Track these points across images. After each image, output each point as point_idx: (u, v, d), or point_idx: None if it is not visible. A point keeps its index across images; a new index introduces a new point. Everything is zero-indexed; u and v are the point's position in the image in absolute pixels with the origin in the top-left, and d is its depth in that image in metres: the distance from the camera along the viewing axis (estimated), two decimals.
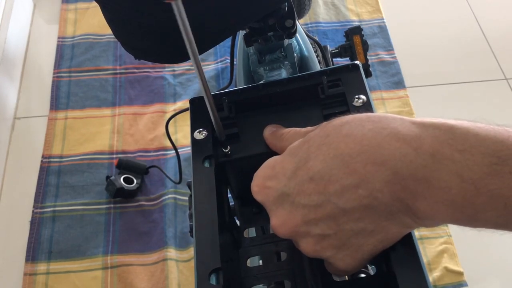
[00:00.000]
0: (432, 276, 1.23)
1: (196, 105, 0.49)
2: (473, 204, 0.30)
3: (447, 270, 1.24)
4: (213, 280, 0.38)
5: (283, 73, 0.65)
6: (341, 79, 0.47)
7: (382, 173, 0.32)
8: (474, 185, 0.30)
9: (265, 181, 0.38)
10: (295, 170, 0.36)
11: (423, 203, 0.32)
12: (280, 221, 0.36)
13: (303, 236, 0.36)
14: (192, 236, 0.43)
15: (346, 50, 1.14)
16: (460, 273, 1.23)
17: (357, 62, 0.48)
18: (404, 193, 0.32)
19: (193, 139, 0.46)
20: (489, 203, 0.30)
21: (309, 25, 1.74)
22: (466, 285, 1.22)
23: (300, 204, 0.35)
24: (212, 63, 1.64)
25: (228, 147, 0.46)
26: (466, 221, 0.32)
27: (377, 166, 0.32)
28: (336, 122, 0.36)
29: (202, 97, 0.47)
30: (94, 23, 1.74)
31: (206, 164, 0.44)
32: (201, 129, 0.47)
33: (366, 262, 0.37)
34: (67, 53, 1.67)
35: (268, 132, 0.45)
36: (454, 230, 1.31)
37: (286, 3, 0.58)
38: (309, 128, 0.40)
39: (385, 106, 1.55)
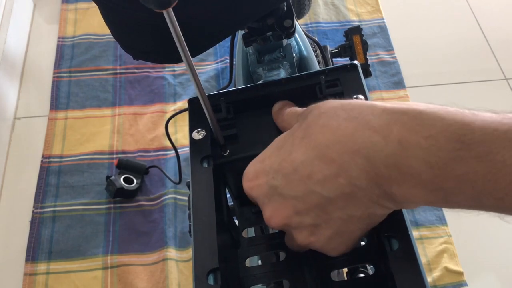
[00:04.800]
0: (432, 276, 1.23)
1: (195, 105, 0.48)
2: (443, 188, 0.31)
3: (447, 270, 1.24)
4: (210, 280, 0.38)
5: (282, 73, 0.65)
6: (340, 79, 0.47)
7: (357, 162, 0.33)
8: (441, 170, 0.30)
9: (255, 177, 0.39)
10: (281, 162, 0.37)
11: (398, 189, 0.33)
12: (272, 213, 0.37)
13: (296, 227, 0.37)
14: (191, 236, 0.43)
15: (346, 50, 1.14)
16: (460, 273, 1.23)
17: (355, 62, 0.48)
18: (380, 180, 0.33)
19: (192, 139, 0.46)
20: (457, 187, 0.31)
21: (309, 25, 1.74)
22: (466, 285, 1.22)
23: (289, 195, 0.36)
24: (212, 63, 1.64)
25: (228, 151, 0.46)
26: (440, 203, 0.33)
27: (352, 155, 0.33)
28: (315, 112, 0.37)
29: None
30: (94, 23, 1.74)
31: (205, 164, 0.44)
32: (199, 129, 0.47)
33: (356, 245, 0.38)
34: (67, 53, 1.67)
35: (276, 108, 0.47)
36: (454, 230, 1.31)
37: (285, 3, 0.58)
38: (305, 108, 0.41)
39: None
